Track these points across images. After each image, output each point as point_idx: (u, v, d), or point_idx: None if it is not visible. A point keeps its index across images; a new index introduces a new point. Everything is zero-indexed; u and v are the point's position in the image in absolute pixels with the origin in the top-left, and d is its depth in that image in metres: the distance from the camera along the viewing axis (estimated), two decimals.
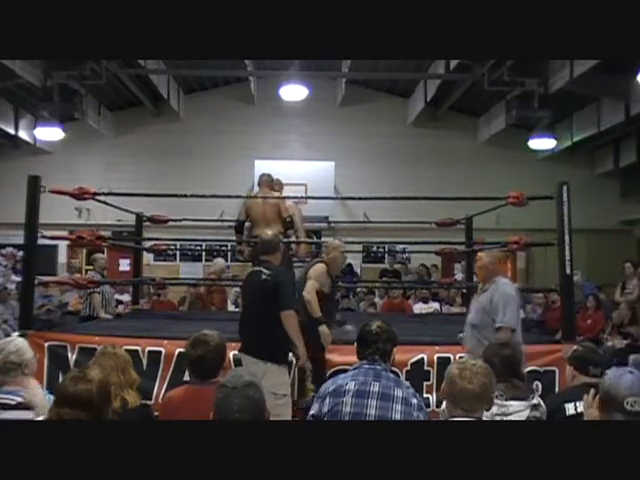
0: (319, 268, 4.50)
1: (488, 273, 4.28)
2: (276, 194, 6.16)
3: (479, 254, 4.53)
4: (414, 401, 2.54)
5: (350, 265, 11.29)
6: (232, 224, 9.09)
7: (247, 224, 6.16)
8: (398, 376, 3.94)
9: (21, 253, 7.76)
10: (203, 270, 11.01)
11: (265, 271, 3.94)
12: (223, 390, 2.03)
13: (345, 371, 2.84)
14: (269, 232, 4.37)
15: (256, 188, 10.04)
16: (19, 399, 2.64)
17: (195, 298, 8.39)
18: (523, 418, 2.69)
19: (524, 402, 2.74)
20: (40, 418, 2.39)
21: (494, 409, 2.62)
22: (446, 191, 8.66)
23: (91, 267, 12.03)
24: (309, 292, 4.30)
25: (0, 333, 6.82)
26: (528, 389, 2.86)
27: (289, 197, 6.32)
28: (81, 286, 6.24)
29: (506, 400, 2.71)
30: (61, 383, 2.22)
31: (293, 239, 6.16)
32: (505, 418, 2.68)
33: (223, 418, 1.97)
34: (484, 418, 2.33)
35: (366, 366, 2.63)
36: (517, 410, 2.70)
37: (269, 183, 6.13)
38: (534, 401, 2.77)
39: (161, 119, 11.78)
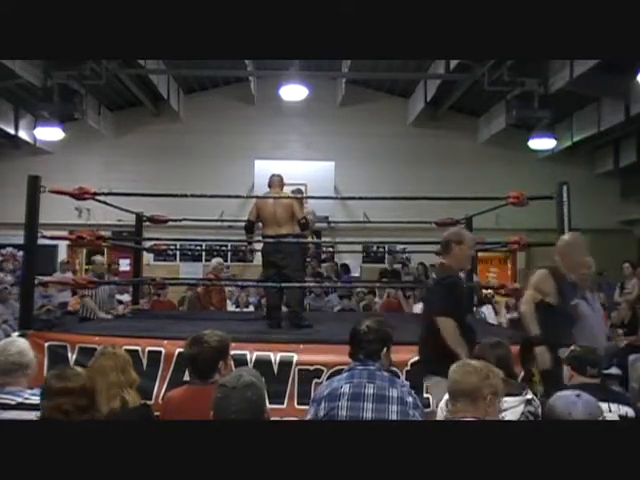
0: (540, 274, 3.85)
1: None
2: (289, 194, 6.09)
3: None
4: (409, 399, 2.53)
5: (346, 265, 11.36)
6: (232, 224, 9.19)
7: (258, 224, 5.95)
8: (398, 376, 3.96)
9: (21, 253, 7.76)
10: (203, 270, 11.00)
11: (434, 274, 3.70)
12: (222, 390, 2.03)
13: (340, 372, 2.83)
14: (451, 230, 3.83)
15: (256, 188, 10.18)
16: (19, 399, 2.64)
17: (194, 298, 8.40)
18: (518, 413, 2.72)
19: (518, 397, 2.76)
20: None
21: None
22: (446, 191, 8.66)
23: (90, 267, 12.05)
24: (525, 303, 3.73)
25: (0, 333, 6.82)
26: (521, 385, 2.88)
27: (294, 197, 6.22)
28: (81, 286, 6.23)
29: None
30: (48, 381, 2.30)
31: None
32: (500, 414, 2.69)
33: (221, 418, 1.97)
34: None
35: (360, 367, 2.61)
36: (512, 406, 2.73)
37: (280, 183, 6.00)
38: (528, 396, 2.80)
39: (161, 119, 11.78)
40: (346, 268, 11.28)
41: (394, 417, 2.45)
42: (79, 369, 2.43)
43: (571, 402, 2.26)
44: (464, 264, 3.77)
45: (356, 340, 2.69)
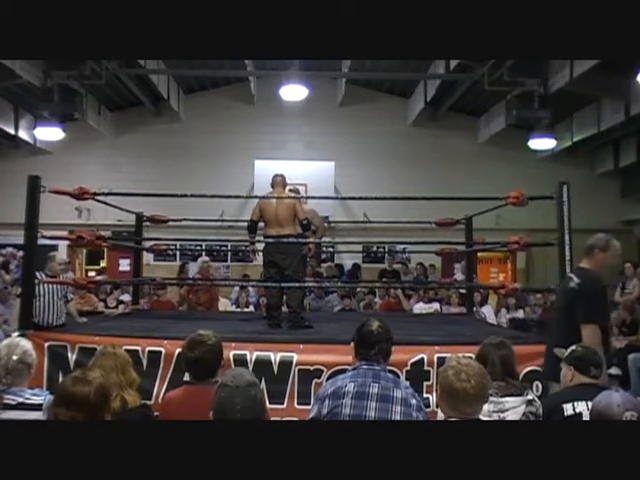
0: None
1: None
2: (291, 194, 6.10)
3: None
4: (413, 402, 2.52)
5: (340, 265, 11.39)
6: (232, 224, 9.19)
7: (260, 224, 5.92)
8: (398, 376, 3.96)
9: (21, 253, 7.73)
10: None
11: (575, 278, 3.55)
12: (226, 389, 2.01)
13: (344, 371, 2.82)
14: (599, 235, 3.74)
15: (256, 188, 10.18)
16: (20, 399, 2.65)
17: (181, 299, 8.38)
18: (519, 413, 2.72)
19: (519, 398, 2.76)
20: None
21: (490, 406, 2.64)
22: (446, 191, 8.65)
23: (91, 267, 12.05)
24: None
25: (0, 333, 6.81)
26: (522, 386, 2.88)
27: (295, 197, 6.22)
28: (81, 286, 6.22)
29: (501, 397, 2.72)
30: (61, 383, 2.25)
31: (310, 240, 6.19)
32: (502, 414, 2.69)
33: (225, 417, 1.96)
34: (481, 415, 2.33)
35: (365, 367, 2.60)
36: (513, 406, 2.73)
37: (283, 183, 5.98)
38: (529, 397, 2.80)
39: (161, 119, 11.78)
40: (342, 269, 11.37)
41: (397, 418, 2.45)
42: (96, 378, 2.24)
43: (607, 394, 2.24)
44: (603, 271, 3.74)
45: (369, 341, 2.65)
